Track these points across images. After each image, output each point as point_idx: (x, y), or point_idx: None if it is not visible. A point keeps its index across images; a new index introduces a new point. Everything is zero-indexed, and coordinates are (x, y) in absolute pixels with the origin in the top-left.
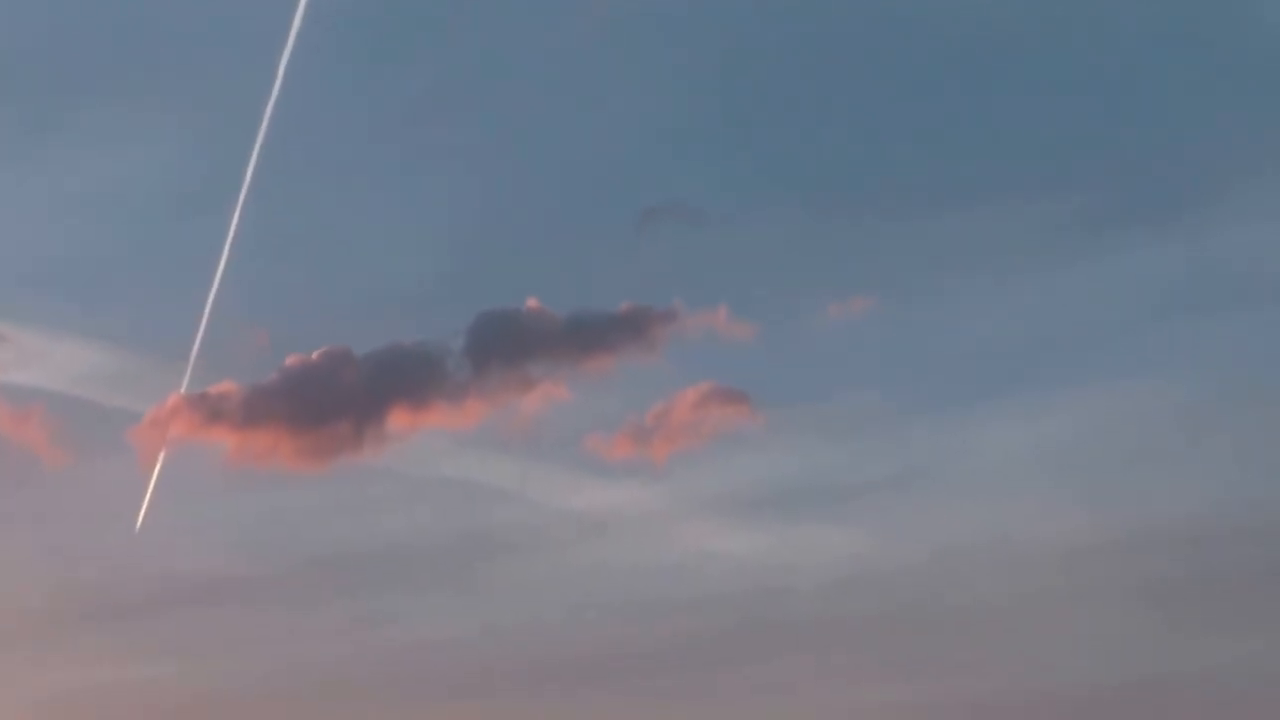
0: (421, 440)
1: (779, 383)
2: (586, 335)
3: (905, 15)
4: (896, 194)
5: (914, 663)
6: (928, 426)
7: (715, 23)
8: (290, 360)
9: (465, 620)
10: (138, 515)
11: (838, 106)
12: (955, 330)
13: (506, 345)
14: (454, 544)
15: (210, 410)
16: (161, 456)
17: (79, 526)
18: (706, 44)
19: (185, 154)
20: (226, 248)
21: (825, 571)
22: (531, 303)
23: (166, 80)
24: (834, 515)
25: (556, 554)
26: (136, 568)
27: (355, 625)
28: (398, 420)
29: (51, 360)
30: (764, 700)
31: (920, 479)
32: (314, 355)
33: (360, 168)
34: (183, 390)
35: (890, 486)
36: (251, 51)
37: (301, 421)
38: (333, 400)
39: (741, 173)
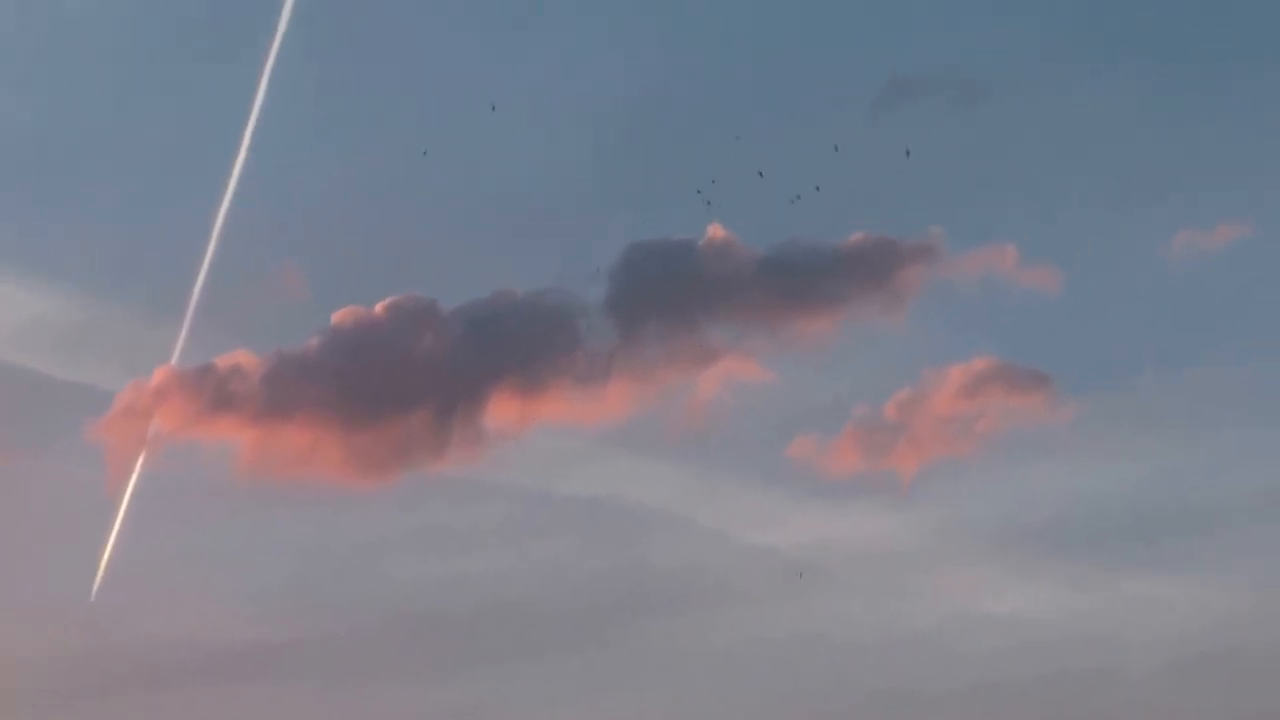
0: (540, 440)
1: (1096, 356)
2: (795, 281)
3: None
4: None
5: None
6: None
7: None
8: (339, 316)
9: (606, 716)
10: (100, 553)
11: None
12: None
13: (671, 296)
14: (589, 598)
15: (216, 391)
16: (140, 462)
17: (8, 571)
18: None
19: None
20: (247, 135)
21: (1174, 644)
22: (714, 231)
23: None
24: (1186, 557)
25: (748, 614)
26: (99, 633)
27: None
28: (503, 409)
29: None
30: None
31: None
32: (376, 309)
33: (449, 23)
34: (174, 360)
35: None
36: None
37: (356, 411)
38: (405, 378)
39: (1036, 30)
